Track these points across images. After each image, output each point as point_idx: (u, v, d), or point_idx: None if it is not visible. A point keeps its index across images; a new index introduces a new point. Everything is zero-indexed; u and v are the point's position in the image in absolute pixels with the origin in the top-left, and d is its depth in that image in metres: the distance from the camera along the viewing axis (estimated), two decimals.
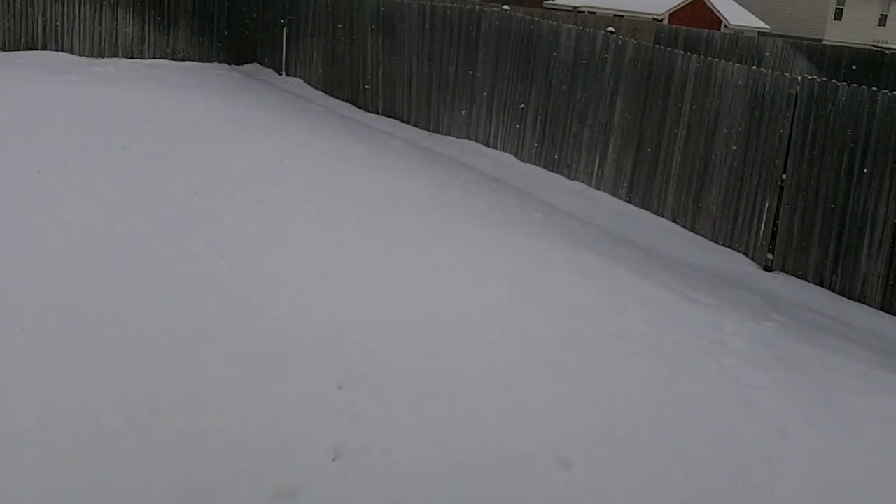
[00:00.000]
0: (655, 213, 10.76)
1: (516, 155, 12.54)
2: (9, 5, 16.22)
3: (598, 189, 11.43)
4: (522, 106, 12.32)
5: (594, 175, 11.50)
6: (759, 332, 7.63)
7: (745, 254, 9.82)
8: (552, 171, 12.04)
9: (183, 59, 18.13)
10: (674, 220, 10.56)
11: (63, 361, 5.29)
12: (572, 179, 11.75)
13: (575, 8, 37.05)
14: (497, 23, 12.68)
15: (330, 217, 8.64)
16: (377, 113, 14.92)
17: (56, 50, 16.86)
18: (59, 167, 8.90)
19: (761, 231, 9.67)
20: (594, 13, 33.63)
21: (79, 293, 6.13)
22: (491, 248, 8.55)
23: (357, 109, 15.20)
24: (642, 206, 10.91)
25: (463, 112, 13.34)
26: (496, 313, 6.98)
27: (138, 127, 11.32)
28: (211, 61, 18.44)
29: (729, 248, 9.98)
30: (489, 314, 6.94)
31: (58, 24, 16.79)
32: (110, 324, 5.80)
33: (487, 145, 13.01)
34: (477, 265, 7.97)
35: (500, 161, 12.46)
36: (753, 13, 42.75)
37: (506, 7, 13.06)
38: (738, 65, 9.91)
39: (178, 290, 6.44)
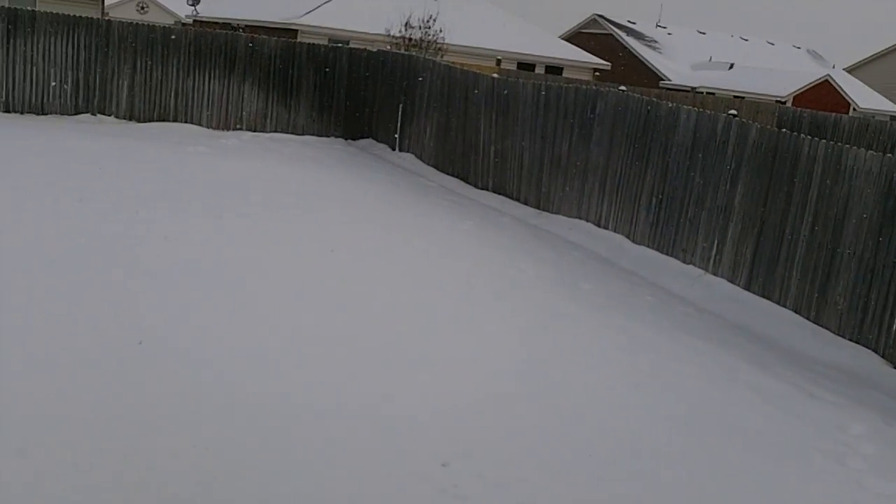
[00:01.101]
0: (776, 302, 10.18)
1: (628, 236, 12.20)
2: (145, 80, 17.10)
3: (714, 275, 10.94)
4: (638, 188, 12.04)
5: (711, 260, 11.03)
6: (892, 437, 7.00)
7: (875, 350, 9.12)
8: (666, 254, 11.63)
9: (302, 133, 18.67)
10: (796, 311, 9.95)
11: None
12: (687, 264, 11.31)
13: (693, 89, 36.66)
14: (613, 103, 12.52)
15: (432, 291, 8.52)
16: (487, 189, 14.87)
17: (185, 122, 17.64)
18: (185, 233, 9.14)
19: (893, 327, 8.99)
20: (713, 94, 33.14)
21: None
22: (597, 332, 8.22)
23: (467, 186, 15.21)
24: (762, 295, 10.35)
25: (574, 191, 13.14)
26: (604, 403, 6.63)
27: (256, 197, 11.60)
28: (328, 136, 18.92)
29: (856, 343, 9.30)
30: (595, 402, 6.60)
31: (188, 97, 17.59)
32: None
33: (598, 225, 12.73)
34: (581, 351, 7.65)
35: (611, 242, 12.14)
36: (885, 96, 41.29)
37: (622, 88, 12.90)
38: (871, 151, 9.39)
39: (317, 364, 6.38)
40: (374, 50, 19.59)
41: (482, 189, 14.97)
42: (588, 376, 7.06)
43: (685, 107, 11.59)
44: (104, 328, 6.52)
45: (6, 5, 18.93)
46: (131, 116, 17.16)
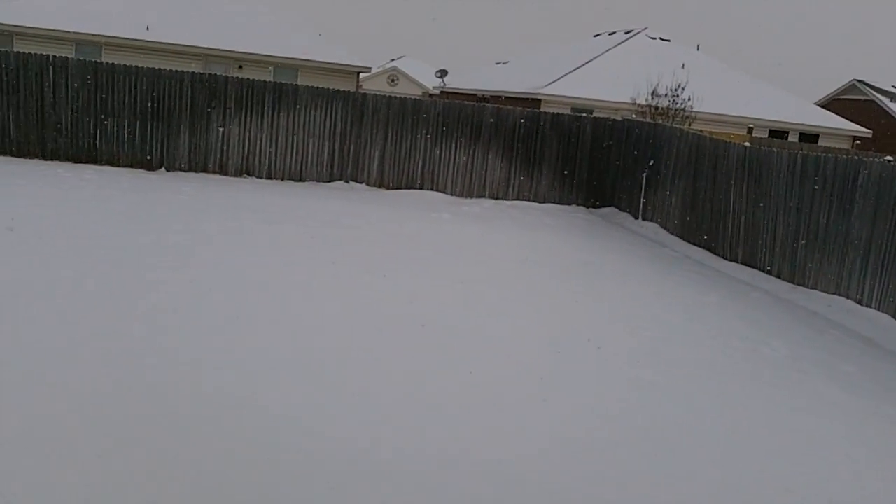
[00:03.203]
0: None
1: (895, 316, 11.01)
2: (395, 149, 17.97)
3: None
4: None
5: None
6: None
7: None
8: None
9: (543, 201, 18.76)
10: None
11: None
12: None
13: None
14: (878, 174, 11.48)
15: (678, 370, 8.04)
16: (735, 261, 14.08)
17: (431, 190, 18.28)
18: (430, 294, 9.35)
19: None
20: None
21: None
22: (862, 420, 7.37)
23: (714, 257, 14.49)
24: None
25: (833, 266, 12.10)
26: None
27: (496, 264, 11.70)
28: (569, 204, 18.88)
29: None
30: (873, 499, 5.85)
31: (434, 166, 18.26)
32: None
33: (860, 303, 11.60)
34: (844, 440, 6.86)
35: (875, 321, 11.00)
36: None
37: (888, 158, 11.83)
38: None
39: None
40: (619, 118, 19.42)
41: (730, 261, 14.20)
42: (856, 473, 6.29)
43: None
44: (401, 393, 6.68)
45: (271, 79, 20.74)
46: (381, 184, 18.05)
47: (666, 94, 23.84)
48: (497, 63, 43.81)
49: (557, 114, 19.01)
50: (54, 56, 16.30)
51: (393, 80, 63.34)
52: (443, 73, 40.50)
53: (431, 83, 51.87)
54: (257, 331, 7.64)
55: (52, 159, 16.40)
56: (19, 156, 16.25)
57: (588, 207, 18.91)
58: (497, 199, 18.58)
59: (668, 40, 35.85)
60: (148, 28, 26.93)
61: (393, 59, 70.10)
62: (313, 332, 7.81)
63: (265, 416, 5.87)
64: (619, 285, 11.46)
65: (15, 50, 17.33)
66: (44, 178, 14.28)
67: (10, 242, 9.75)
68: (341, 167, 17.88)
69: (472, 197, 18.44)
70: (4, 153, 16.19)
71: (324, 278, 9.84)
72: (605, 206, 18.85)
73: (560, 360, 8.00)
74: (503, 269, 11.52)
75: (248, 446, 5.37)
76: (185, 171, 17.08)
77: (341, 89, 18.08)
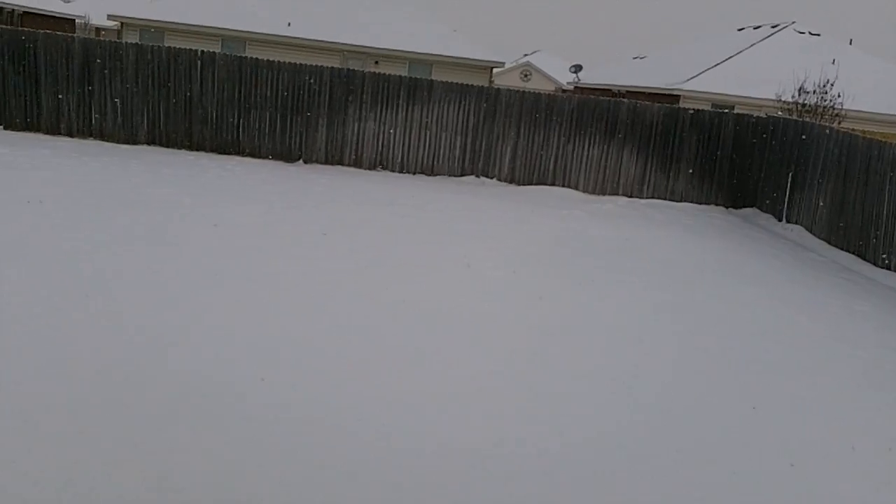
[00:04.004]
0: None
1: None
2: (527, 145, 17.78)
3: None
4: None
5: None
6: None
7: None
8: None
9: (680, 200, 18.17)
10: None
11: None
12: None
13: None
14: None
15: (828, 379, 7.56)
16: (888, 269, 13.19)
17: (562, 186, 18.00)
18: (556, 295, 9.17)
19: None
20: None
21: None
22: None
23: (864, 263, 13.63)
24: None
25: None
26: None
27: (627, 264, 11.38)
28: (707, 203, 18.21)
29: None
30: None
31: (567, 162, 17.97)
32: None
33: None
34: None
35: None
36: None
37: None
38: None
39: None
40: (763, 115, 18.60)
41: (882, 268, 13.32)
42: None
43: None
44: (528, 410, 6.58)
45: (406, 74, 20.91)
46: (512, 179, 17.90)
47: (814, 91, 22.66)
48: (634, 58, 42.89)
49: (698, 110, 18.34)
50: (202, 51, 16.93)
51: (526, 76, 63.02)
52: (577, 68, 39.96)
53: (565, 78, 51.31)
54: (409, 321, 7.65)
55: (197, 150, 17.06)
56: (168, 146, 16.98)
57: (727, 208, 18.18)
58: (631, 196, 18.12)
59: (818, 35, 34.12)
60: (289, 24, 27.69)
61: (526, 55, 69.69)
62: (449, 334, 7.77)
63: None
64: (761, 290, 10.91)
65: (166, 45, 18.09)
66: (190, 168, 14.85)
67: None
68: (473, 162, 17.84)
69: (605, 194, 18.04)
70: (154, 143, 16.96)
71: (462, 279, 9.78)
72: (745, 207, 18.08)
73: (707, 371, 7.66)
74: (640, 273, 11.16)
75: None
76: (321, 163, 17.43)
77: (474, 84, 18.03)
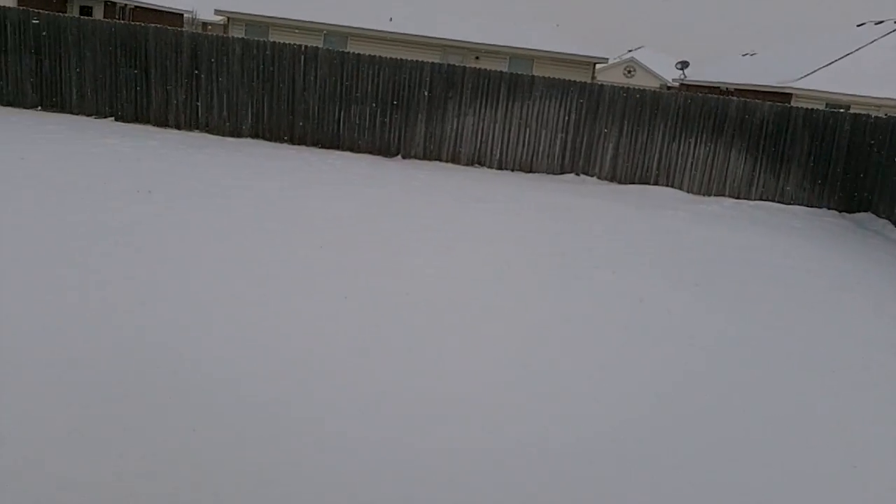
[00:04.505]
0: None
1: None
2: (630, 143, 17.34)
3: None
4: None
5: None
6: None
7: None
8: None
9: (790, 203, 17.43)
10: None
11: None
12: None
13: None
14: None
15: None
16: None
17: (666, 186, 17.50)
18: (657, 298, 8.85)
19: None
20: None
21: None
22: None
23: None
24: None
25: None
26: None
27: (725, 269, 10.92)
28: (819, 207, 17.42)
29: None
30: None
31: (671, 161, 17.44)
32: None
33: None
34: None
35: None
36: None
37: None
38: None
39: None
40: (882, 116, 17.65)
41: None
42: None
43: None
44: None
45: (506, 69, 20.68)
46: (613, 178, 17.49)
47: None
48: (743, 54, 41.56)
49: (811, 109, 17.53)
50: (305, 45, 17.11)
51: (629, 72, 61.90)
52: (684, 65, 38.97)
53: (670, 75, 50.18)
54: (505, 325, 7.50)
55: (299, 144, 17.26)
56: (271, 140, 17.24)
57: (840, 212, 17.33)
58: (738, 198, 17.47)
59: None
60: (391, 20, 27.82)
61: (630, 50, 68.40)
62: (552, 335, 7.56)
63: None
64: (875, 303, 10.30)
65: (270, 40, 18.38)
66: (293, 162, 15.02)
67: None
68: (573, 159, 17.51)
69: (710, 195, 17.45)
70: (258, 136, 17.24)
71: (554, 277, 9.55)
72: (859, 212, 17.20)
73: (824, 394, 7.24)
74: (738, 281, 10.68)
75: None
76: (420, 158, 17.39)
77: (576, 80, 17.68)
